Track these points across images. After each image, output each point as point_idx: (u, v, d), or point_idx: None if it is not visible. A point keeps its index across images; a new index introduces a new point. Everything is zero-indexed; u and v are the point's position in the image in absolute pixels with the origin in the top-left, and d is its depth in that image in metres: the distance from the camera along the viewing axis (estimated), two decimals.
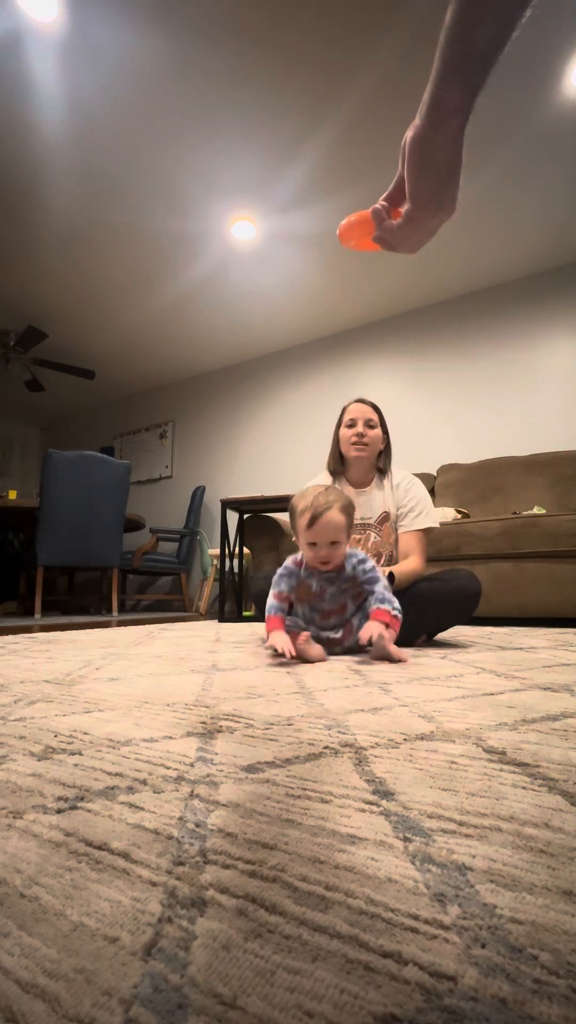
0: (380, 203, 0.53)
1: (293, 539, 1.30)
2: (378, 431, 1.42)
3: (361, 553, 1.28)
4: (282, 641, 1.12)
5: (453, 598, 1.41)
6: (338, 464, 1.64)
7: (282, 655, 1.10)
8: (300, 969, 0.21)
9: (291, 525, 1.28)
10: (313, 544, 1.20)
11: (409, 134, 0.47)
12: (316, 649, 1.17)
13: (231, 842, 0.32)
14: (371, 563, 1.25)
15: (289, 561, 1.30)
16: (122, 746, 0.51)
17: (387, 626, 1.13)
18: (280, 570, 1.29)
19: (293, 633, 1.17)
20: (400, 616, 1.19)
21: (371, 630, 1.10)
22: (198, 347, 4.54)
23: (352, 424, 1.27)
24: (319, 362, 4.34)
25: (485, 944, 0.22)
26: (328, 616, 1.29)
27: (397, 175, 0.50)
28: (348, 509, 1.23)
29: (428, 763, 0.46)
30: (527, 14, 0.39)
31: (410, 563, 1.49)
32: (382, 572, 1.29)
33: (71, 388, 5.25)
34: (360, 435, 1.27)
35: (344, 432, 1.35)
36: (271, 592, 1.26)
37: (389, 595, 1.20)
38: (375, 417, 1.49)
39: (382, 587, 1.21)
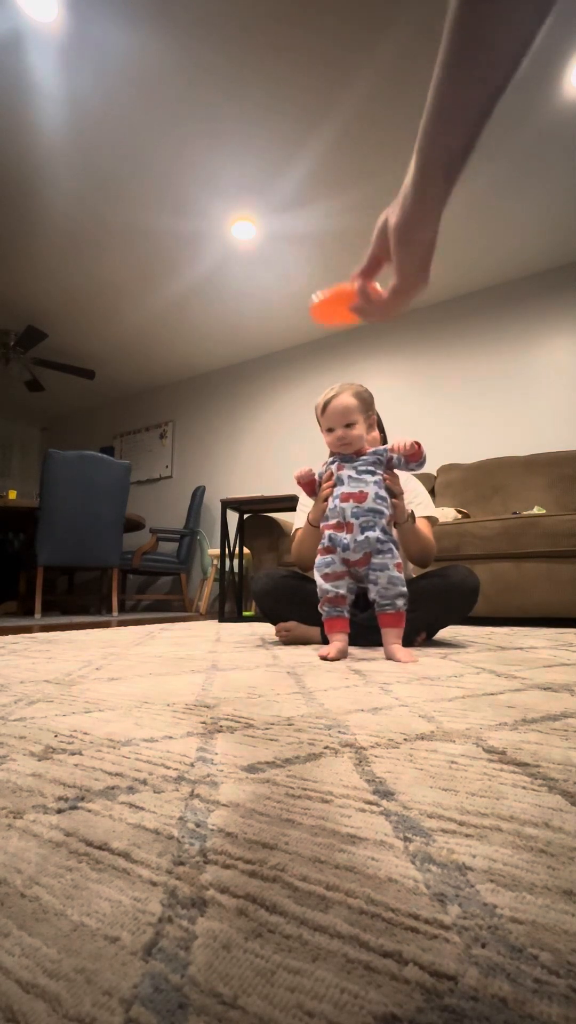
0: (359, 279, 0.57)
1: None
2: (357, 428, 1.40)
3: (383, 448, 1.33)
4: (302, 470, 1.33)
5: (452, 594, 1.41)
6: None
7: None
8: (300, 969, 0.21)
9: (318, 422, 1.38)
10: (331, 429, 1.30)
11: (391, 220, 0.51)
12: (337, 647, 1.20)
13: (231, 842, 0.32)
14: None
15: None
16: (122, 746, 0.51)
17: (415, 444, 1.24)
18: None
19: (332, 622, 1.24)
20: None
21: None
22: (198, 347, 4.54)
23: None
24: (319, 362, 4.34)
25: (485, 944, 0.22)
26: (357, 565, 1.26)
27: (371, 252, 0.54)
28: (361, 395, 1.31)
29: (428, 763, 0.46)
30: (492, 114, 0.42)
31: (428, 533, 1.51)
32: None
33: (71, 388, 5.25)
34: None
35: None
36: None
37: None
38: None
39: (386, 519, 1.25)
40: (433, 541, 1.50)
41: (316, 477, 1.36)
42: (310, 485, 1.37)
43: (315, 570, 1.30)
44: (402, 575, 1.24)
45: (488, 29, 0.38)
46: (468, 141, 0.44)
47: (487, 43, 0.39)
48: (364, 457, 1.29)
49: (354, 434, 1.29)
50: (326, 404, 1.29)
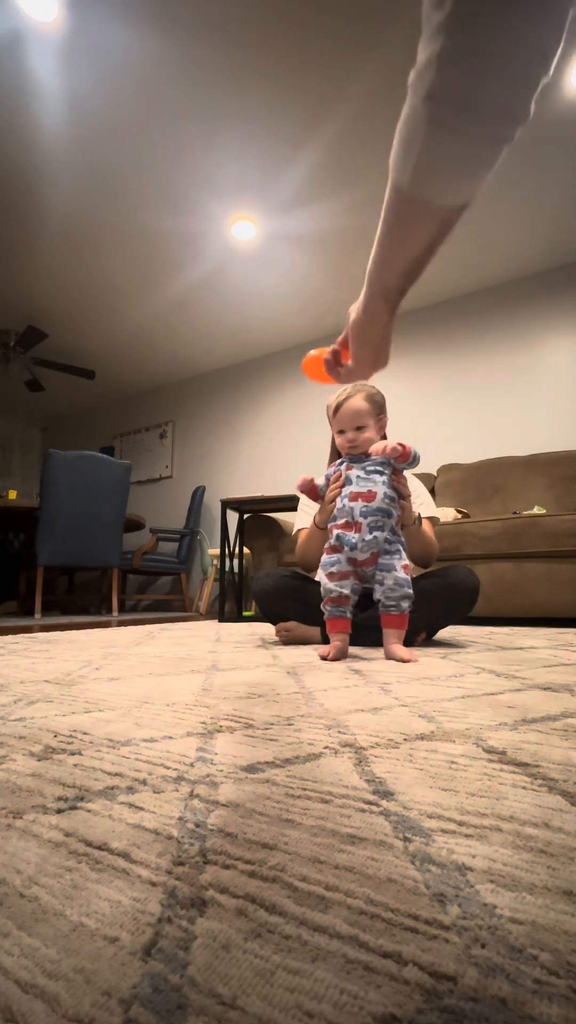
0: (332, 349, 0.71)
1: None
2: (367, 432, 1.38)
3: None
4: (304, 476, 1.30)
5: (453, 593, 1.41)
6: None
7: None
8: (300, 969, 0.21)
9: (329, 423, 1.39)
10: (341, 432, 1.31)
11: (352, 316, 0.63)
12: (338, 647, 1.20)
13: (231, 842, 0.32)
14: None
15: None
16: (122, 746, 0.51)
17: (400, 445, 1.21)
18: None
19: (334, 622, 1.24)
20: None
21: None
22: (198, 347, 4.54)
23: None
24: None
25: (485, 944, 0.22)
26: (364, 565, 1.26)
27: (343, 335, 0.67)
28: (374, 398, 1.31)
29: (428, 763, 0.46)
30: (424, 266, 0.54)
31: (431, 534, 1.52)
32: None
33: (71, 388, 5.25)
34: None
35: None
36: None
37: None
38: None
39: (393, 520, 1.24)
40: (435, 542, 1.50)
41: (319, 483, 1.35)
42: (313, 492, 1.35)
43: (320, 569, 1.30)
44: (408, 577, 1.23)
45: (406, 227, 0.51)
46: (403, 284, 0.56)
47: (405, 237, 0.51)
48: (373, 457, 1.29)
49: (364, 437, 1.29)
50: (338, 406, 1.30)
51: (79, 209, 2.90)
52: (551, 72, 0.37)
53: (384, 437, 1.63)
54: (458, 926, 0.24)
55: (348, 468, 1.30)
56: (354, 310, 0.63)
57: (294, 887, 0.27)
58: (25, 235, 3.10)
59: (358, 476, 1.28)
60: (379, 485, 1.25)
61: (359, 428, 1.28)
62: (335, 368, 0.71)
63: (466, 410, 3.60)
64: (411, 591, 1.23)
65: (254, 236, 3.11)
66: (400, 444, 1.20)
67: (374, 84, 2.16)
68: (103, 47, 2.03)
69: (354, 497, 1.26)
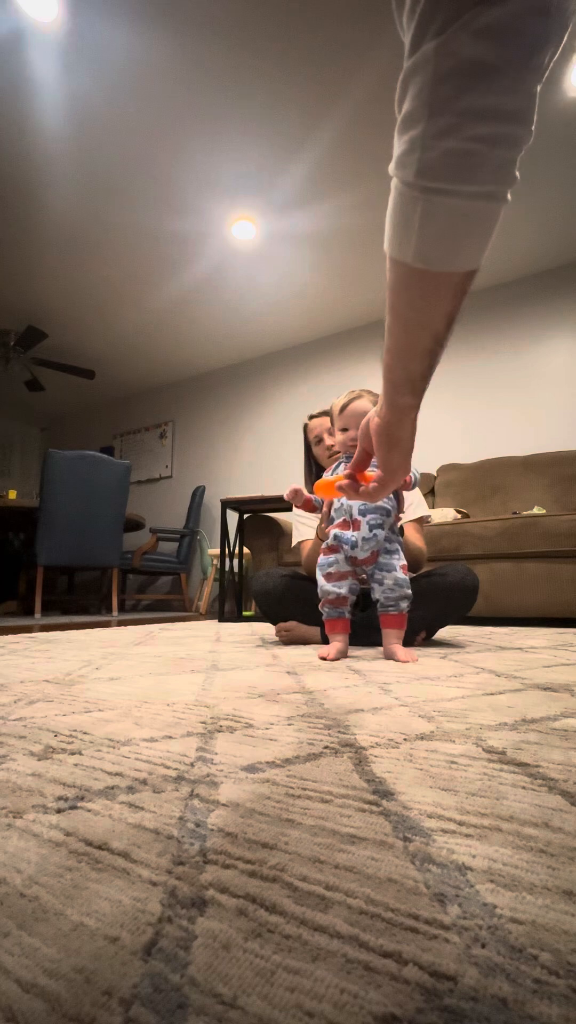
0: (347, 475, 0.69)
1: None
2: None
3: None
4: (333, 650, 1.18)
5: (452, 592, 1.41)
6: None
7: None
8: (300, 969, 0.21)
9: (331, 425, 1.37)
10: (345, 429, 1.27)
11: (374, 422, 0.61)
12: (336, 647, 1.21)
13: (231, 842, 0.32)
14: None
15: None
16: (122, 746, 0.51)
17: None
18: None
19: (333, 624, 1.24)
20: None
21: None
22: (198, 347, 4.54)
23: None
24: (319, 362, 4.34)
25: (485, 944, 0.22)
26: (364, 564, 1.26)
27: (360, 448, 0.66)
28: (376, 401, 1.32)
29: (428, 763, 0.46)
30: (449, 340, 0.52)
31: (418, 539, 1.55)
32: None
33: (71, 388, 5.25)
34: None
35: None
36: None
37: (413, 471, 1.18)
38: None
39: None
40: (423, 547, 1.52)
41: (310, 493, 1.33)
42: (307, 502, 1.34)
43: (318, 569, 1.30)
44: (407, 577, 1.23)
45: (419, 303, 0.49)
46: (425, 369, 0.54)
47: (421, 314, 0.50)
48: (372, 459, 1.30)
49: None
50: (346, 405, 1.29)
51: (79, 209, 2.90)
52: (532, 136, 0.39)
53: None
54: (458, 926, 0.24)
55: (356, 523, 1.27)
56: (373, 416, 0.60)
57: (294, 887, 0.27)
58: (25, 235, 3.10)
59: (366, 516, 1.27)
60: (383, 529, 1.24)
61: None
62: (356, 491, 0.68)
63: (466, 410, 3.60)
64: (410, 591, 1.23)
65: (254, 236, 3.11)
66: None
67: (373, 84, 2.16)
68: (103, 47, 2.03)
69: (361, 562, 1.25)
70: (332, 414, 1.37)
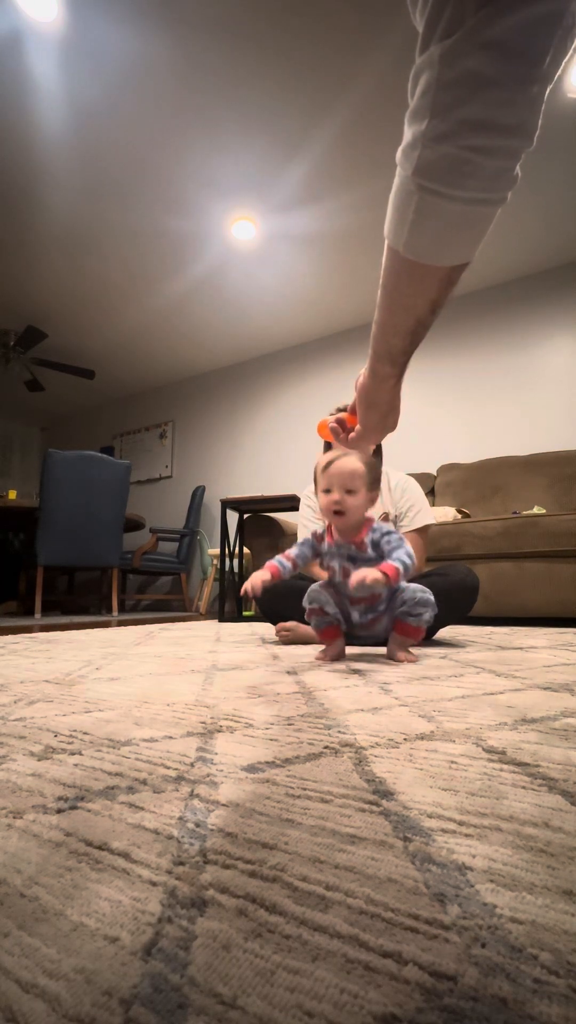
0: (337, 417, 0.73)
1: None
2: (357, 496, 1.15)
3: (387, 527, 1.17)
4: (253, 582, 1.09)
5: (452, 593, 1.41)
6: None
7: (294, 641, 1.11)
8: (300, 969, 0.21)
9: (315, 490, 1.22)
10: (328, 491, 1.13)
11: (359, 381, 0.64)
12: (333, 648, 1.18)
13: (231, 842, 0.32)
14: (397, 535, 1.13)
15: (310, 534, 1.22)
16: (122, 746, 0.51)
17: (385, 576, 1.00)
18: (295, 545, 1.22)
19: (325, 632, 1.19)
20: (405, 569, 1.05)
21: (362, 574, 0.99)
22: (198, 347, 4.54)
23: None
24: (319, 361, 4.34)
25: (485, 944, 0.22)
26: (357, 602, 1.20)
27: (353, 401, 0.69)
28: (372, 465, 1.16)
29: (428, 763, 0.46)
30: (433, 323, 0.54)
31: (417, 552, 1.53)
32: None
33: (71, 388, 5.25)
34: (336, 502, 1.11)
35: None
36: (310, 594, 1.20)
37: (404, 556, 1.06)
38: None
39: (404, 553, 1.07)
40: (421, 559, 1.53)
41: (286, 564, 1.17)
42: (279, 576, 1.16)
43: (311, 590, 1.20)
44: (428, 593, 1.15)
45: (406, 288, 0.51)
46: (408, 345, 0.57)
47: (407, 298, 0.52)
48: (366, 554, 1.15)
49: (351, 502, 1.12)
50: (330, 463, 1.15)
51: (79, 209, 2.90)
52: (534, 143, 0.39)
53: (379, 456, 1.63)
54: (458, 926, 0.24)
55: (344, 571, 1.17)
56: (360, 376, 0.64)
57: (294, 887, 0.27)
58: (25, 235, 3.10)
59: (343, 568, 1.17)
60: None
61: (349, 491, 1.12)
62: (341, 434, 0.72)
63: (466, 410, 3.60)
64: (432, 599, 1.15)
65: (254, 236, 3.11)
66: (385, 572, 1.01)
67: (373, 84, 2.16)
68: (103, 46, 2.03)
69: (354, 601, 1.18)
70: (316, 473, 1.22)
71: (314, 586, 1.21)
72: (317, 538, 1.21)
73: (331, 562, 1.20)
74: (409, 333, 0.55)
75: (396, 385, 0.62)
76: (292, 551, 1.19)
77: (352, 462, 1.12)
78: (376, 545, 1.14)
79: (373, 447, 0.74)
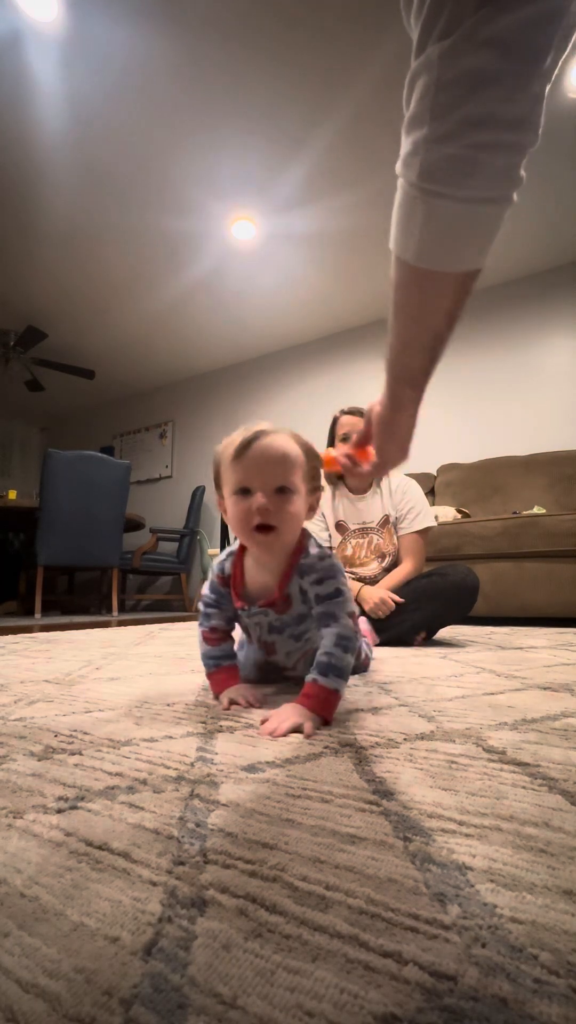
0: (346, 453, 0.70)
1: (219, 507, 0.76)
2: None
3: (329, 553, 0.72)
4: (235, 695, 0.70)
5: (452, 593, 1.41)
6: (333, 476, 1.62)
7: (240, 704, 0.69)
8: (300, 969, 0.21)
9: (215, 486, 0.74)
10: (245, 491, 0.66)
11: (376, 410, 0.61)
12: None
13: (231, 842, 0.32)
14: (339, 580, 0.70)
15: (206, 587, 0.80)
16: (122, 746, 0.51)
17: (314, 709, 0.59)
18: (202, 599, 0.80)
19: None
20: (341, 687, 0.63)
21: (285, 716, 0.58)
22: (198, 347, 4.53)
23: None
24: (319, 361, 4.34)
25: (485, 944, 0.22)
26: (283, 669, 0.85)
27: (363, 431, 0.67)
28: (309, 449, 0.71)
29: (428, 763, 0.46)
30: (451, 337, 0.52)
31: (403, 569, 1.52)
32: (353, 594, 1.05)
33: (71, 388, 5.25)
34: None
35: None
36: (199, 633, 0.79)
37: (339, 655, 0.64)
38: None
39: (334, 636, 0.66)
40: (414, 566, 1.52)
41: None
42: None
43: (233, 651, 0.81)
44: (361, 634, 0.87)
45: (421, 301, 0.50)
46: (426, 364, 0.54)
47: (423, 311, 0.50)
48: (291, 611, 0.74)
49: (289, 515, 0.66)
50: (246, 444, 0.66)
51: (79, 209, 2.89)
52: (539, 139, 0.39)
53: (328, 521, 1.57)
54: (458, 926, 0.24)
55: (270, 645, 0.79)
56: (376, 405, 0.61)
57: (294, 887, 0.27)
58: (25, 235, 3.10)
59: (284, 647, 0.78)
60: (309, 647, 0.78)
61: (281, 491, 0.66)
62: (353, 470, 0.70)
63: (466, 410, 3.60)
64: (364, 650, 0.91)
65: (254, 236, 3.11)
66: (314, 710, 0.59)
67: (374, 84, 2.16)
68: (103, 46, 2.03)
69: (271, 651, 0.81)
70: (217, 463, 0.71)
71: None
72: (223, 582, 0.78)
73: (248, 622, 0.79)
74: (428, 350, 0.53)
75: (415, 412, 0.60)
76: (211, 623, 0.78)
77: (283, 441, 0.67)
78: (305, 595, 0.72)
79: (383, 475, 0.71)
